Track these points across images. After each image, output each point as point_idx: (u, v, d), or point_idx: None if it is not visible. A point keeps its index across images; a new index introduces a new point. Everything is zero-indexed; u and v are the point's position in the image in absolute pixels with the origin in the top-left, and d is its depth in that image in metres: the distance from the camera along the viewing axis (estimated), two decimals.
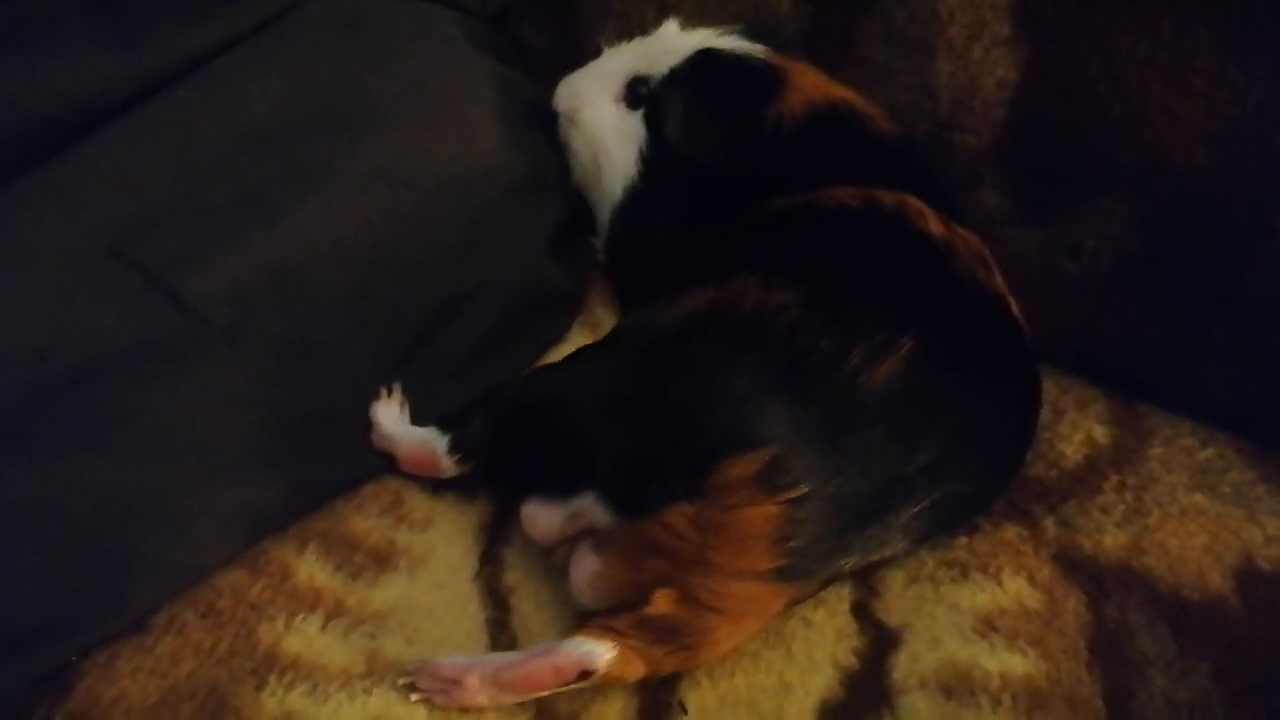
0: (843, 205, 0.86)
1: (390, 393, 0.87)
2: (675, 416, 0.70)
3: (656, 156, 0.98)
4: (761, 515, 0.67)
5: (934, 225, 0.85)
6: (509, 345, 0.98)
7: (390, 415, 0.85)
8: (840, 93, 0.97)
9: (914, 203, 0.86)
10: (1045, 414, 0.96)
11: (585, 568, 0.72)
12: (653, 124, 0.98)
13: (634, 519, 0.69)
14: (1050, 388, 0.98)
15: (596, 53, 1.10)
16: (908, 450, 0.71)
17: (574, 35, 1.20)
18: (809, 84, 0.96)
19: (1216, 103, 0.92)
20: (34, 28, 0.89)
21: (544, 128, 1.06)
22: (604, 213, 1.03)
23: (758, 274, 0.76)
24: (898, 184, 0.88)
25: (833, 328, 0.72)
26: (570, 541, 0.75)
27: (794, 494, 0.67)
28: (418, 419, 0.87)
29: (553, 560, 0.77)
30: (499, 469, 0.80)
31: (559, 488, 0.74)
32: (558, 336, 1.02)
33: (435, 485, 0.84)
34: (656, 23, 1.14)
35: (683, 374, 0.71)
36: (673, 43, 1.01)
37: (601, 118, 1.03)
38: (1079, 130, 0.97)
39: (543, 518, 0.74)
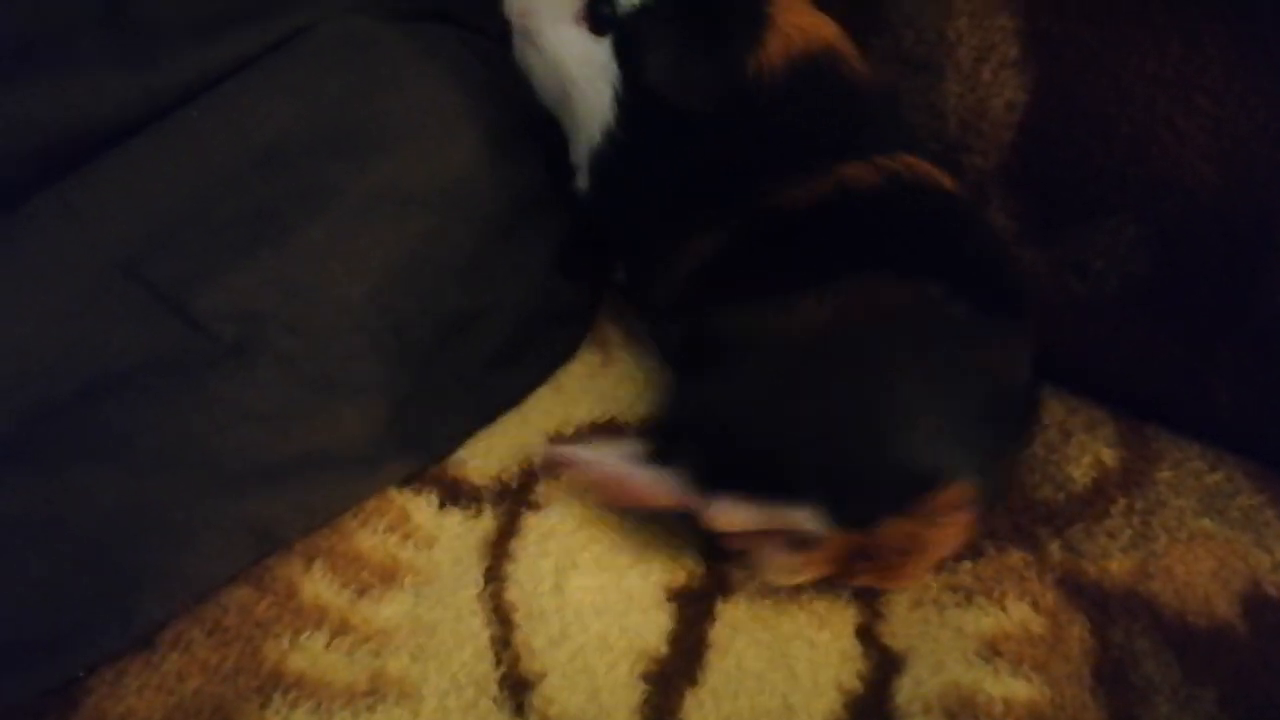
0: (870, 186, 0.84)
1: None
2: (891, 441, 0.74)
3: (636, 101, 0.88)
4: (966, 525, 0.77)
5: (947, 181, 0.89)
6: (519, 362, 0.98)
7: (605, 455, 0.84)
8: (822, 32, 0.90)
9: (917, 163, 0.87)
10: (1053, 436, 0.96)
11: (784, 562, 0.77)
12: (626, 60, 0.88)
13: (849, 530, 0.75)
14: (1058, 409, 0.98)
15: None
16: None
17: None
18: (794, 24, 0.88)
19: (1224, 122, 0.92)
20: (49, 47, 0.90)
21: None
22: (580, 149, 0.95)
23: (872, 269, 0.78)
24: (883, 141, 0.88)
25: (979, 316, 0.78)
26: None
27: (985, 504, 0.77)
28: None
29: (726, 543, 0.79)
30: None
31: (759, 493, 0.76)
32: (568, 352, 1.03)
33: (440, 501, 0.85)
34: None
35: (887, 394, 0.75)
36: None
37: (564, 43, 0.92)
38: (1087, 151, 0.97)
39: (739, 518, 0.76)
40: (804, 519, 0.75)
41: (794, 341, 0.78)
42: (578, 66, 0.91)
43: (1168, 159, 0.94)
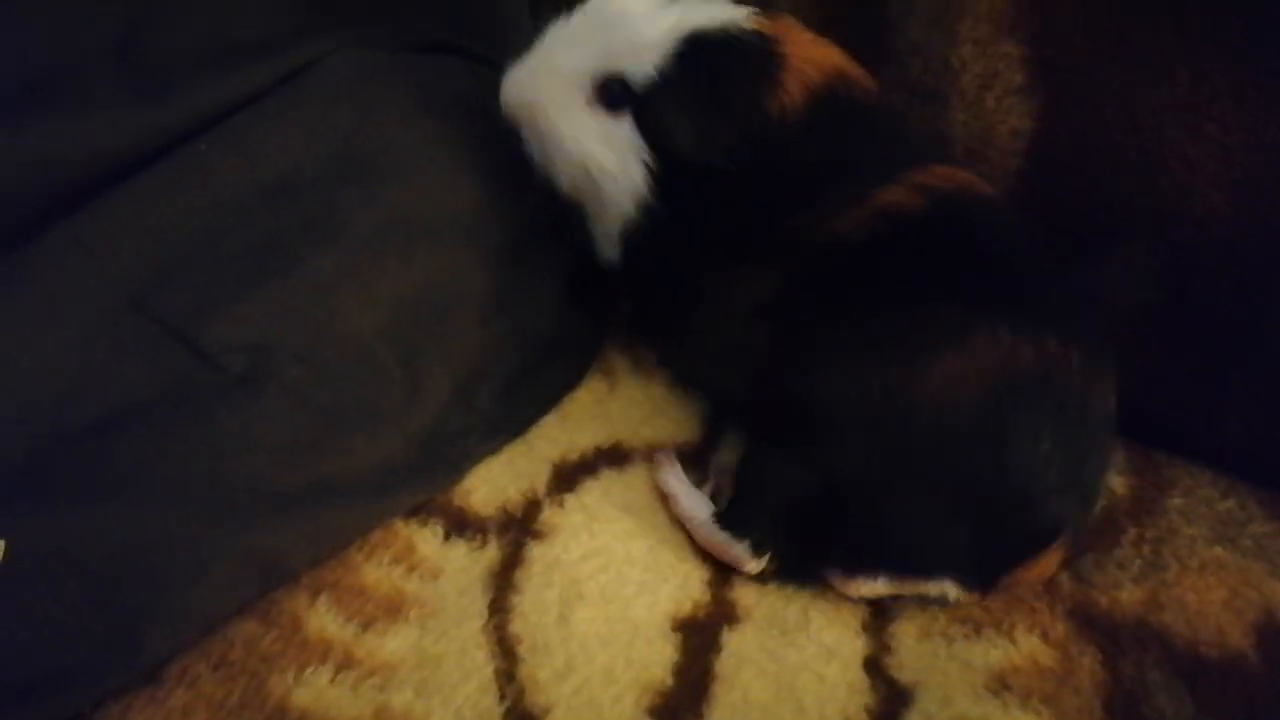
0: (915, 210, 0.82)
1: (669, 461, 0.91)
2: (1028, 505, 0.77)
3: (668, 169, 0.87)
4: (1059, 562, 0.82)
5: (982, 186, 0.89)
6: (527, 390, 0.98)
7: (694, 503, 0.87)
8: (832, 60, 0.89)
9: (952, 173, 0.87)
10: None
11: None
12: (651, 132, 0.87)
13: (979, 591, 0.81)
14: None
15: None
16: None
17: None
18: (805, 57, 0.87)
19: (1233, 150, 0.92)
20: (60, 85, 0.91)
21: None
22: (609, 225, 0.93)
23: (980, 318, 0.77)
24: (913, 156, 0.88)
25: (1088, 363, 0.79)
26: None
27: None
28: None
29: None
30: (804, 559, 0.84)
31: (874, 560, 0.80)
32: (575, 380, 1.03)
33: (446, 532, 0.85)
34: None
35: (1025, 458, 0.76)
36: (642, 29, 0.86)
37: (581, 130, 0.89)
38: (1095, 178, 0.97)
39: (876, 591, 0.81)
40: (938, 589, 0.80)
41: (911, 408, 0.76)
42: (601, 150, 0.89)
43: (1177, 188, 0.94)
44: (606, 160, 0.89)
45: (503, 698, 0.73)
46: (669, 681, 0.75)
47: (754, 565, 0.82)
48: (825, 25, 1.02)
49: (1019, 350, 0.76)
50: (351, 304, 0.89)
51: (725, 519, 0.84)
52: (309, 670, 0.73)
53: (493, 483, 0.89)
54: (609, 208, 0.91)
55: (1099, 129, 0.96)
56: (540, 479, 0.89)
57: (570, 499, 0.88)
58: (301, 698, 0.72)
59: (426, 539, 0.84)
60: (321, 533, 0.81)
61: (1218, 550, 0.88)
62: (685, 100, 0.85)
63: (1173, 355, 0.96)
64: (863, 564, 0.81)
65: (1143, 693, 0.76)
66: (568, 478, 0.90)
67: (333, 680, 0.73)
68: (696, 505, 0.86)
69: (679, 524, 0.87)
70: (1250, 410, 0.96)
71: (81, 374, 0.83)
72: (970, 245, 0.83)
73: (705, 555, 0.85)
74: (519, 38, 1.19)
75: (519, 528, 0.85)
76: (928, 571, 0.79)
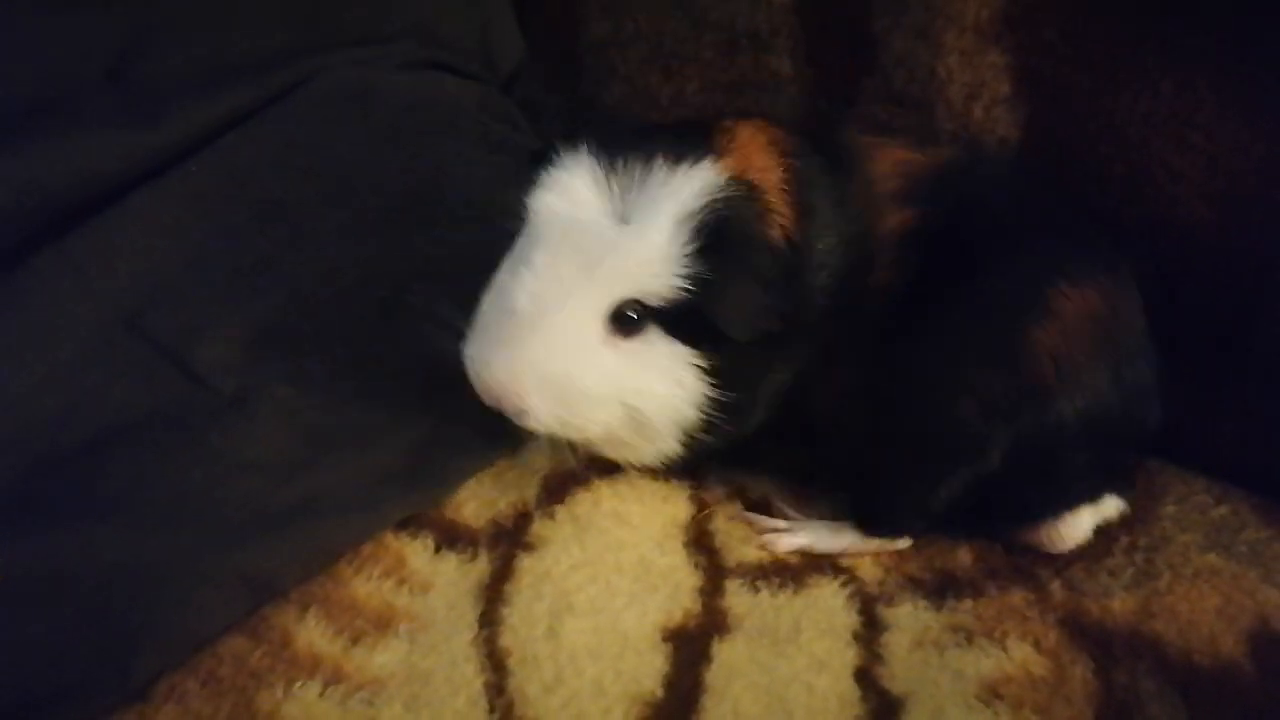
0: (919, 222, 0.83)
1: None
2: (1139, 415, 0.88)
3: (729, 353, 0.79)
4: None
5: (937, 156, 0.90)
6: None
7: (826, 537, 0.89)
8: (776, 152, 0.82)
9: (905, 158, 0.87)
10: None
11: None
12: (695, 333, 0.78)
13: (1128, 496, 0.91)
14: None
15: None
16: None
17: (583, 96, 1.23)
18: (769, 178, 0.80)
19: (1219, 159, 0.93)
20: (51, 109, 0.92)
21: None
22: (662, 441, 0.83)
23: (1040, 284, 0.81)
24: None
25: (1127, 287, 0.87)
26: None
27: None
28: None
29: None
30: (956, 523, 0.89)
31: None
32: None
33: (436, 545, 0.85)
34: (660, 87, 1.16)
35: (1124, 384, 0.85)
36: (637, 242, 0.75)
37: (619, 374, 0.78)
38: (1080, 190, 0.98)
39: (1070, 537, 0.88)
40: (1110, 509, 0.88)
41: (1028, 384, 0.80)
42: (648, 377, 0.79)
43: (1163, 198, 0.95)
44: (656, 385, 0.79)
45: (491, 711, 0.73)
46: (659, 693, 0.74)
47: (907, 541, 0.89)
48: (810, 39, 1.04)
49: (1088, 299, 0.81)
50: (340, 322, 0.89)
51: (872, 529, 0.88)
52: (298, 685, 0.73)
53: (483, 495, 0.89)
54: (661, 429, 0.81)
55: (1085, 139, 0.97)
56: (530, 491, 0.89)
57: (560, 510, 0.88)
58: (290, 712, 0.72)
59: (417, 552, 0.84)
60: (313, 549, 0.81)
61: (1211, 558, 0.88)
62: (728, 292, 0.76)
63: (1163, 363, 0.96)
64: (1033, 515, 0.87)
65: (1135, 702, 0.76)
66: (558, 489, 0.89)
67: (321, 695, 0.73)
68: (829, 537, 0.89)
69: (671, 532, 0.87)
70: (1242, 417, 0.96)
71: (74, 395, 0.83)
72: (986, 220, 0.85)
73: (696, 563, 0.85)
74: (508, 55, 1.20)
75: (509, 540, 0.85)
76: (1094, 496, 0.87)
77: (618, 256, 0.75)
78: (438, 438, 0.90)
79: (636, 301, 0.77)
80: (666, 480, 0.92)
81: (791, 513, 0.91)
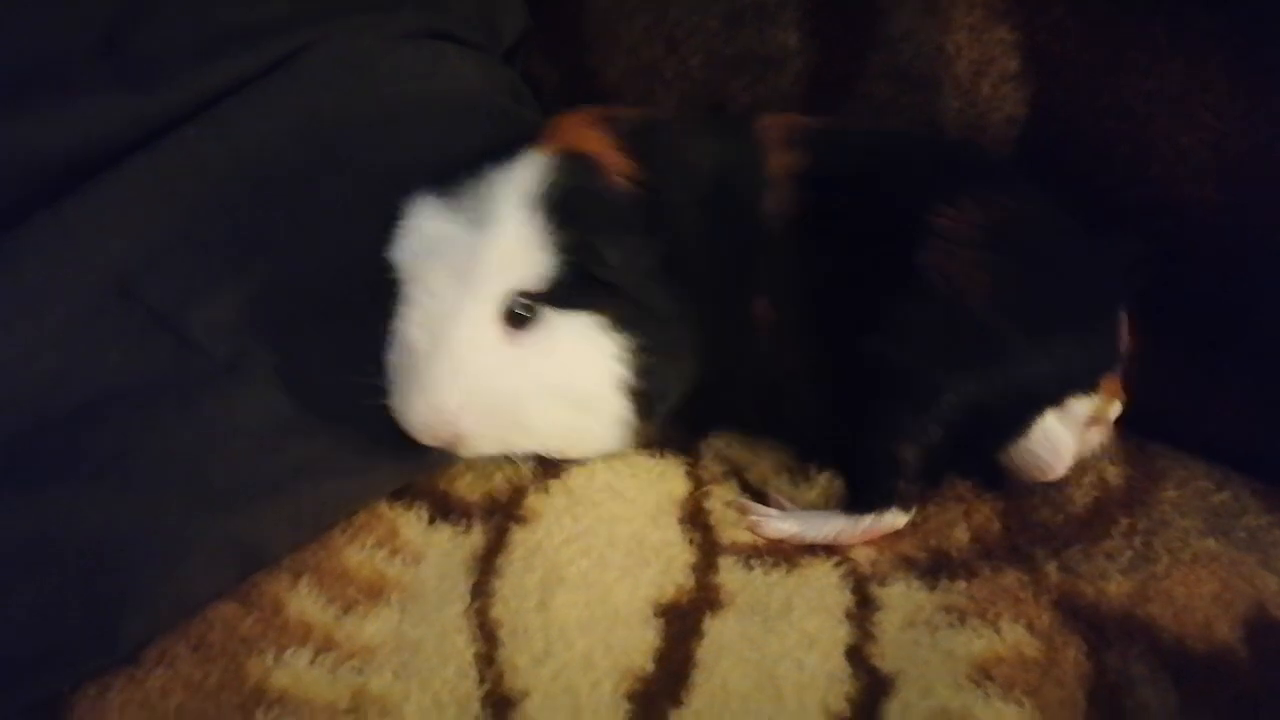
0: (804, 162, 0.87)
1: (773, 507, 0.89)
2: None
3: (629, 304, 0.81)
4: None
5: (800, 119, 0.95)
6: None
7: (816, 524, 0.87)
8: (590, 115, 0.88)
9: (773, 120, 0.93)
10: None
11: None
12: (588, 298, 0.80)
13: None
14: None
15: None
16: None
17: (586, 70, 1.22)
18: (591, 139, 0.84)
19: (1225, 139, 0.91)
20: (47, 75, 0.92)
21: None
22: (614, 411, 0.84)
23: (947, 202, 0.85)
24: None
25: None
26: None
27: None
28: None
29: None
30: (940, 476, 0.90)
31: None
32: None
33: (430, 516, 0.85)
34: (663, 59, 1.15)
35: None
36: (501, 242, 0.78)
37: (523, 374, 0.79)
38: (1086, 169, 0.96)
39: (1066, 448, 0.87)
40: (1080, 410, 0.86)
41: (972, 303, 0.82)
42: (559, 361, 0.80)
43: (1168, 177, 0.94)
44: (576, 359, 0.81)
45: (481, 682, 0.73)
46: (649, 668, 0.74)
47: (906, 518, 0.87)
48: (816, 13, 1.02)
49: (972, 215, 0.84)
50: (334, 290, 0.88)
51: (865, 505, 0.86)
52: (288, 652, 0.73)
53: (478, 468, 0.89)
54: (602, 398, 0.83)
55: (1091, 117, 0.96)
56: (526, 464, 0.89)
57: (555, 484, 0.87)
58: (280, 680, 0.72)
59: (411, 523, 0.84)
60: (304, 517, 0.81)
61: (1210, 543, 0.87)
62: (597, 244, 0.79)
63: (1164, 345, 0.95)
64: (1018, 433, 0.86)
65: (1127, 685, 0.75)
66: (553, 464, 0.89)
67: (312, 662, 0.73)
68: (819, 524, 0.87)
69: (666, 508, 0.87)
70: (1243, 400, 0.95)
71: (66, 360, 0.83)
72: (871, 161, 0.90)
73: (691, 540, 0.85)
74: (511, 25, 1.18)
75: (503, 512, 0.85)
76: (1055, 399, 0.85)
77: (482, 259, 0.78)
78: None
79: (520, 293, 0.79)
80: (663, 457, 0.92)
81: (784, 501, 0.90)
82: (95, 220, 0.89)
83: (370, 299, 0.89)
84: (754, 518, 0.88)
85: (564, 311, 0.80)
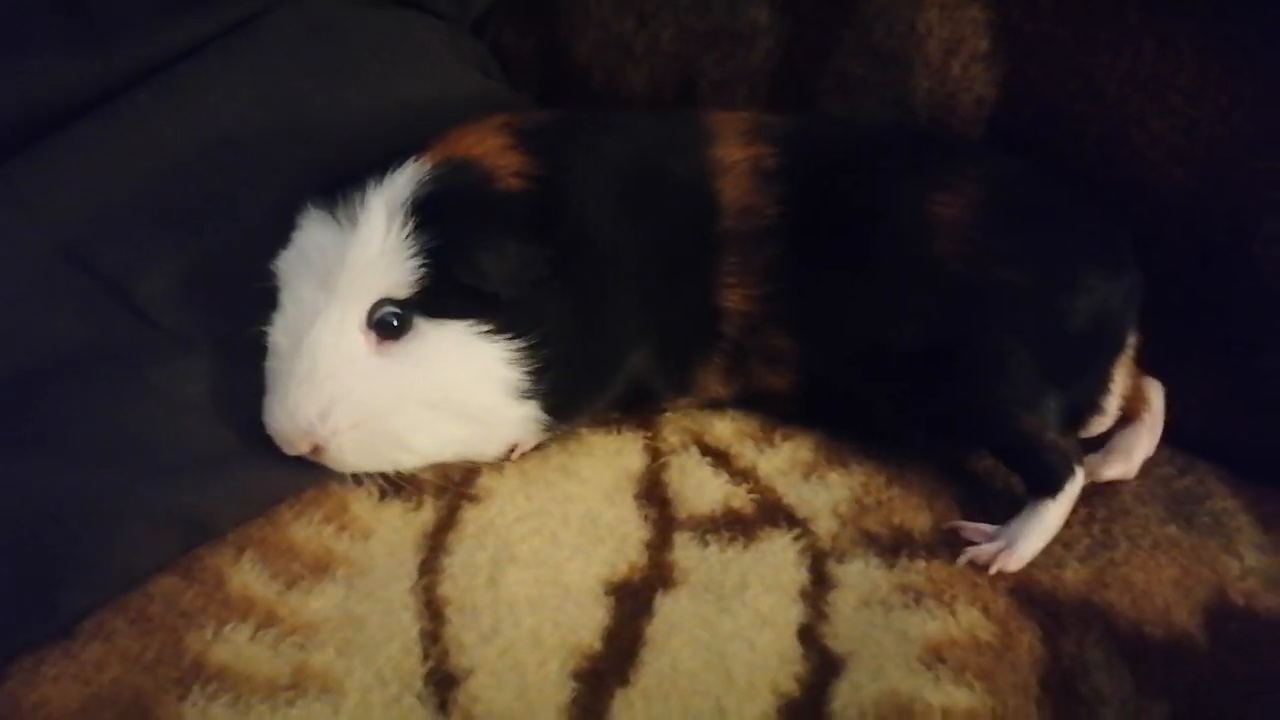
0: (764, 154, 0.87)
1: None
2: None
3: (515, 301, 0.79)
4: None
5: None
6: None
7: (1018, 538, 0.82)
8: (480, 128, 0.85)
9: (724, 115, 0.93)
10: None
11: None
12: (467, 303, 0.77)
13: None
14: None
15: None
16: None
17: (557, 42, 1.20)
18: (479, 145, 0.82)
19: (1198, 122, 0.90)
20: (2, 30, 0.89)
21: None
22: (507, 414, 0.81)
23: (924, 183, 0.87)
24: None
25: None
26: None
27: None
28: None
29: None
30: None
31: None
32: None
33: (381, 492, 0.83)
34: (634, 34, 1.13)
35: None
36: (364, 250, 0.76)
37: (388, 384, 0.77)
38: (1056, 151, 0.95)
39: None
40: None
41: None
42: (432, 372, 0.77)
43: (1138, 160, 0.93)
44: (450, 370, 0.78)
45: (426, 659, 0.72)
46: (597, 646, 0.73)
47: (1083, 471, 0.85)
48: None
49: (964, 198, 0.85)
50: None
51: (1044, 489, 0.83)
52: (229, 627, 0.72)
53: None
54: (488, 405, 0.80)
55: (1062, 98, 0.94)
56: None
57: (509, 465, 0.86)
58: (219, 655, 0.70)
59: (360, 499, 0.83)
60: (251, 492, 0.79)
61: (1171, 529, 0.87)
62: (470, 250, 0.76)
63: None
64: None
65: (1081, 671, 0.74)
66: None
67: (252, 638, 0.72)
68: (1036, 527, 0.82)
69: (622, 484, 0.86)
70: (1210, 385, 0.94)
71: (10, 325, 0.82)
72: (851, 155, 0.89)
73: (646, 516, 0.83)
74: None
75: (456, 490, 0.84)
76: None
77: (345, 266, 0.76)
78: None
79: (388, 301, 0.76)
80: (620, 433, 0.91)
81: (981, 528, 0.84)
82: (44, 184, 0.87)
83: None
84: (985, 555, 0.81)
85: (437, 320, 0.77)
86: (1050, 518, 0.83)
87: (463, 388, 0.78)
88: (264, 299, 0.81)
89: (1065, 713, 0.72)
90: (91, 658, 0.69)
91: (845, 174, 0.87)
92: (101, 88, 0.90)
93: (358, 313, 0.76)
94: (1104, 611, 0.79)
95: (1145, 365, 0.95)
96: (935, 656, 0.74)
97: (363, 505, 0.82)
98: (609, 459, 0.88)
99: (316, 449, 0.77)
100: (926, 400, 0.86)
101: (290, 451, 0.77)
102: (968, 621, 0.77)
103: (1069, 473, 0.83)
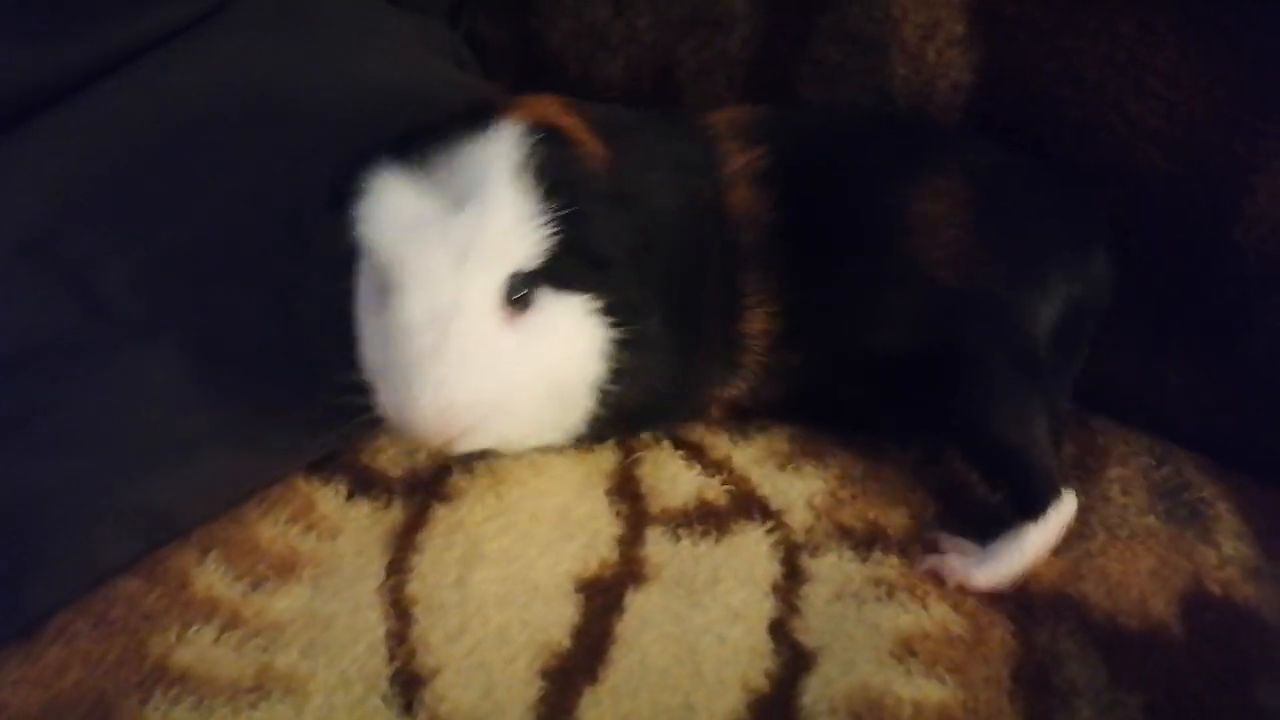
0: (769, 157, 0.85)
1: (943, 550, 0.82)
2: None
3: (617, 287, 0.77)
4: None
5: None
6: None
7: (996, 560, 0.79)
8: (556, 103, 0.82)
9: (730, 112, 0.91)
10: None
11: None
12: (577, 279, 0.75)
13: None
14: None
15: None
16: None
17: (531, 31, 1.18)
18: (562, 118, 0.78)
19: (1177, 106, 0.89)
20: None
21: None
22: (581, 405, 0.80)
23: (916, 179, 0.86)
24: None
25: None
26: None
27: None
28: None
29: None
30: None
31: None
32: None
33: (349, 491, 0.82)
34: (609, 22, 1.11)
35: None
36: (498, 220, 0.71)
37: (522, 363, 0.74)
38: (1034, 136, 0.94)
39: None
40: None
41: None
42: (552, 347, 0.75)
43: (1117, 144, 0.91)
44: (566, 345, 0.76)
45: (391, 659, 0.71)
46: (565, 643, 0.73)
47: (1071, 501, 0.81)
48: None
49: (945, 195, 0.85)
50: (255, 249, 0.85)
51: (1030, 511, 0.79)
52: (193, 629, 0.71)
53: (402, 444, 0.86)
54: (577, 390, 0.79)
55: (1040, 82, 0.93)
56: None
57: (480, 464, 0.85)
58: (183, 657, 0.70)
59: (328, 497, 0.82)
60: (217, 486, 0.78)
61: (1149, 519, 0.86)
62: (588, 214, 0.73)
63: (1111, 315, 0.93)
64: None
65: (1054, 663, 0.74)
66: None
67: (216, 640, 0.71)
68: (1013, 551, 0.79)
69: (594, 480, 0.85)
70: (1190, 372, 0.93)
71: None
72: (831, 154, 0.87)
73: (618, 512, 0.82)
74: None
75: (425, 490, 0.83)
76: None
77: (481, 242, 0.71)
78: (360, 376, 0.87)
79: (518, 273, 0.73)
80: None
81: (957, 544, 0.82)
82: (7, 175, 0.85)
83: (294, 258, 0.86)
84: (945, 570, 0.79)
85: (559, 293, 0.75)
86: (1030, 543, 0.78)
87: (568, 365, 0.76)
88: (238, 283, 0.80)
89: (1038, 705, 0.71)
90: (52, 661, 0.69)
91: (824, 172, 0.85)
92: (69, 77, 0.89)
93: (494, 287, 0.72)
94: (1078, 603, 0.78)
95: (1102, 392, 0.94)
96: (907, 650, 0.73)
97: (331, 503, 0.81)
98: (581, 455, 0.87)
99: (459, 435, 0.73)
100: (916, 407, 0.85)
101: (433, 442, 0.73)
102: (940, 615, 0.76)
103: (1054, 495, 0.79)
